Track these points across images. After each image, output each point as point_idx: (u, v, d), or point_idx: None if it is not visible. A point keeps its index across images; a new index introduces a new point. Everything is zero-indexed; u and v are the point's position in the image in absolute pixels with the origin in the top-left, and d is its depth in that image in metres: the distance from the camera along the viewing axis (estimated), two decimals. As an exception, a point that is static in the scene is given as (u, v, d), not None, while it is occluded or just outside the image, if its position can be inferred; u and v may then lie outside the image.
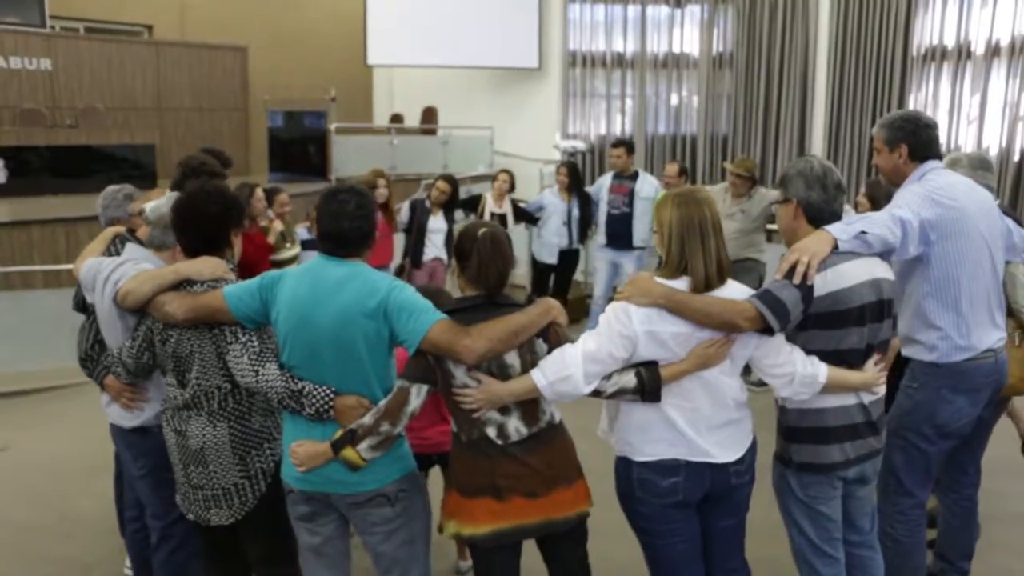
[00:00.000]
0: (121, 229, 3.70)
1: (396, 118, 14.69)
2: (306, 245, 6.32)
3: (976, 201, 3.31)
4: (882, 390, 2.93)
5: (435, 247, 7.25)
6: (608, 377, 2.64)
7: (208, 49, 14.13)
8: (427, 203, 7.25)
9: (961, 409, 3.32)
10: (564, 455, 2.82)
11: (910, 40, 10.81)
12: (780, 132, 12.00)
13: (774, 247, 7.45)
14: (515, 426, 2.72)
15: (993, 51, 10.18)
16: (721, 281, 2.66)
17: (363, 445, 2.62)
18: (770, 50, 11.96)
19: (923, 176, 3.29)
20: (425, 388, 2.67)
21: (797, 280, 2.65)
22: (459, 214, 7.49)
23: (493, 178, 7.65)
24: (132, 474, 3.46)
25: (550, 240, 7.77)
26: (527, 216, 7.75)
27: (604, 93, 13.58)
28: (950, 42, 10.58)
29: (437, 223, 7.24)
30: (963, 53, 10.45)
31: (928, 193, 3.17)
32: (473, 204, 7.62)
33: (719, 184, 7.83)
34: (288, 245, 6.11)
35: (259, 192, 5.82)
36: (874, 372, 2.85)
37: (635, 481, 2.74)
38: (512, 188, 7.63)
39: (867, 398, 2.88)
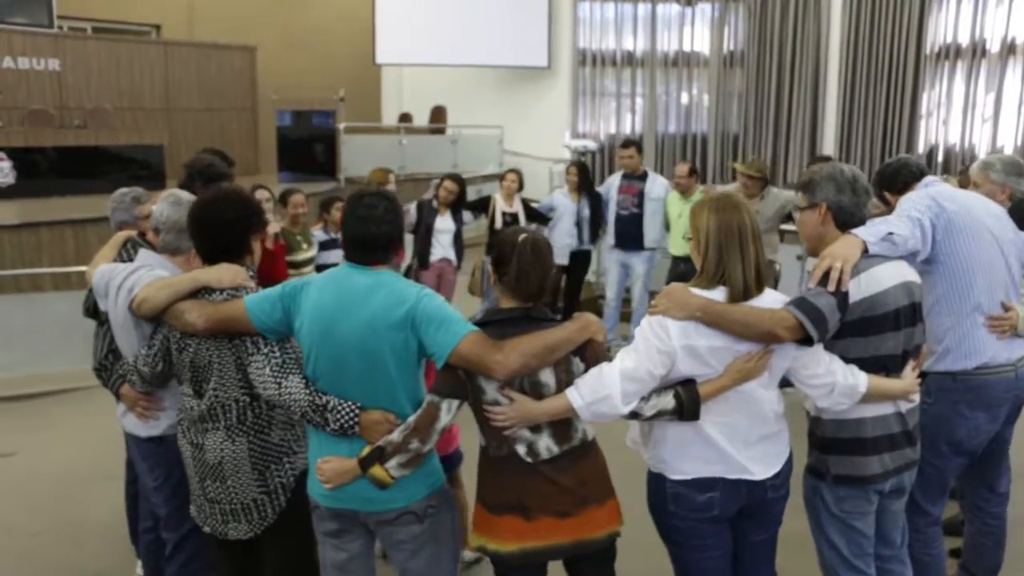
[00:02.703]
0: (132, 233, 3.63)
1: (405, 117, 14.64)
2: (325, 246, 6.27)
3: (983, 206, 3.26)
4: (917, 398, 2.84)
5: (442, 247, 7.14)
6: (647, 399, 2.53)
7: (217, 49, 14.09)
8: (434, 203, 7.16)
9: (980, 426, 3.21)
10: (596, 473, 2.70)
11: (924, 38, 10.73)
12: (791, 131, 11.93)
13: (787, 248, 7.38)
14: (546, 444, 2.59)
15: (1008, 49, 10.09)
16: (759, 290, 2.55)
17: (392, 463, 2.51)
18: (781, 48, 11.90)
19: (925, 185, 3.30)
20: (456, 403, 2.55)
21: (832, 287, 2.55)
22: (468, 215, 7.40)
23: (501, 178, 7.56)
24: (147, 484, 3.38)
25: (561, 241, 7.67)
26: (539, 216, 7.66)
27: (614, 92, 13.54)
28: (964, 40, 10.50)
29: (444, 223, 7.14)
30: (978, 51, 10.37)
31: (929, 194, 3.15)
32: (483, 205, 7.52)
33: (730, 185, 7.74)
34: (305, 247, 6.06)
35: (260, 193, 5.69)
36: (912, 379, 2.77)
37: (669, 495, 2.65)
38: (521, 187, 7.55)
39: (904, 406, 2.79)
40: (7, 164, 10.38)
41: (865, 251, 2.68)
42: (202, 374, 2.83)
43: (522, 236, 2.60)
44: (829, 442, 2.81)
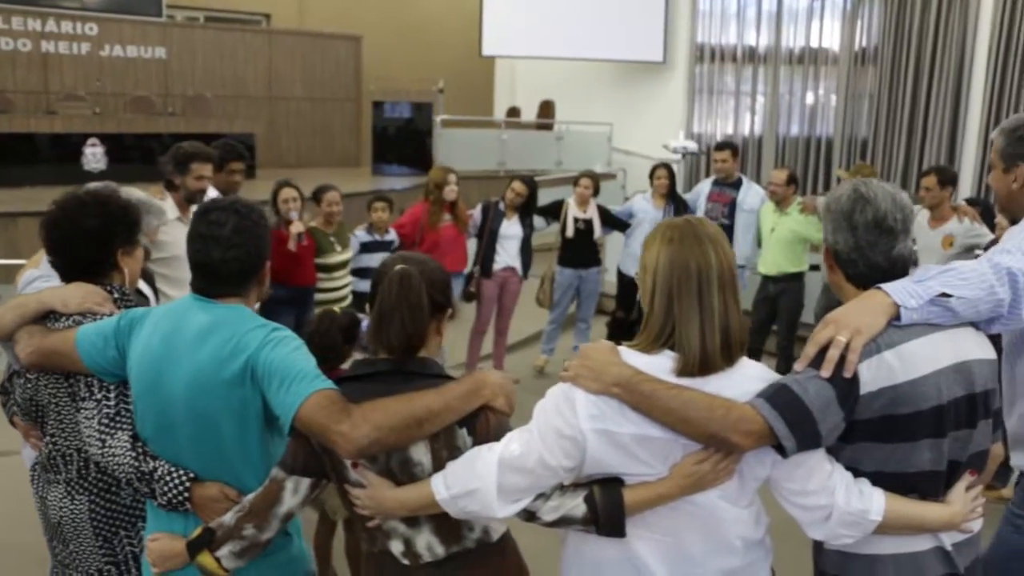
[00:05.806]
0: None
1: (513, 112, 14.17)
2: (368, 247, 5.83)
3: None
4: (976, 525, 1.92)
5: (508, 255, 6.54)
6: (547, 496, 1.83)
7: (322, 38, 13.98)
8: (501, 205, 6.57)
9: None
10: None
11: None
12: (927, 137, 10.72)
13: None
14: (427, 543, 1.97)
15: None
16: (728, 361, 1.78)
17: (223, 551, 1.98)
18: (920, 45, 10.69)
19: None
20: (306, 482, 1.98)
21: (828, 371, 1.74)
22: (540, 221, 6.77)
23: (574, 182, 6.90)
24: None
25: (638, 251, 6.89)
26: (617, 223, 6.96)
27: (733, 90, 12.65)
28: None
29: (511, 228, 6.52)
30: None
31: None
32: (555, 210, 6.88)
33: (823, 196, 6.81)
34: (338, 248, 5.61)
35: (286, 192, 5.33)
36: (965, 502, 1.89)
37: None
38: (596, 192, 6.87)
39: (949, 540, 1.89)
40: (100, 150, 10.43)
41: (897, 317, 1.81)
42: (42, 415, 2.39)
43: (398, 267, 1.95)
44: None
